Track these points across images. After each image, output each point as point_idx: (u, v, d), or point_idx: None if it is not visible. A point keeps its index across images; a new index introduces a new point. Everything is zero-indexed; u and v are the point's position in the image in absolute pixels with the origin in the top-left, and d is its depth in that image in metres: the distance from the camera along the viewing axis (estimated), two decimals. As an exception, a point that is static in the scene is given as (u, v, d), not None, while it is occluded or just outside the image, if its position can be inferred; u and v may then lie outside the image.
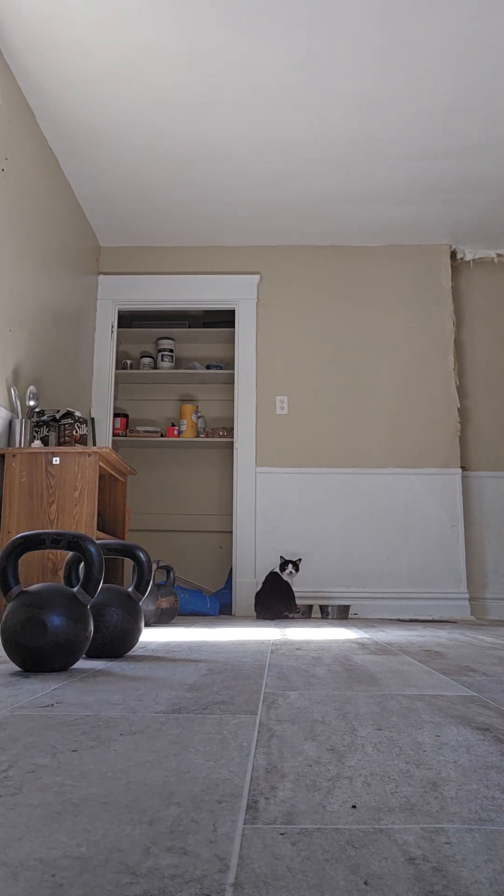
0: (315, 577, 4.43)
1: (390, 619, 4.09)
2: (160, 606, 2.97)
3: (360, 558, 4.44)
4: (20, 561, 2.86)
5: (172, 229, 4.72)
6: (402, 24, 2.99)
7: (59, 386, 4.02)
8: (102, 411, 4.68)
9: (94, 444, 4.43)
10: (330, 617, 4.19)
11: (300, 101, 3.47)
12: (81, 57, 3.19)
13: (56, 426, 3.24)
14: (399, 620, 4.01)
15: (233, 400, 5.06)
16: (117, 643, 1.68)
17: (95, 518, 2.94)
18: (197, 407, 5.17)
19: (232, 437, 4.93)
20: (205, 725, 0.91)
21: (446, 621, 3.97)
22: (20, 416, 3.20)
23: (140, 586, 1.75)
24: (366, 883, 0.44)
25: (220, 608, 4.46)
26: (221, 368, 5.20)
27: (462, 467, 4.61)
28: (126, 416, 5.23)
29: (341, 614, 4.20)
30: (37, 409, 3.29)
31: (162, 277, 4.89)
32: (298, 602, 4.30)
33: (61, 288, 4.06)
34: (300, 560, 4.18)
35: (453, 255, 4.91)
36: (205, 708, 1.03)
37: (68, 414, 3.23)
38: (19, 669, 1.45)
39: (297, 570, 4.08)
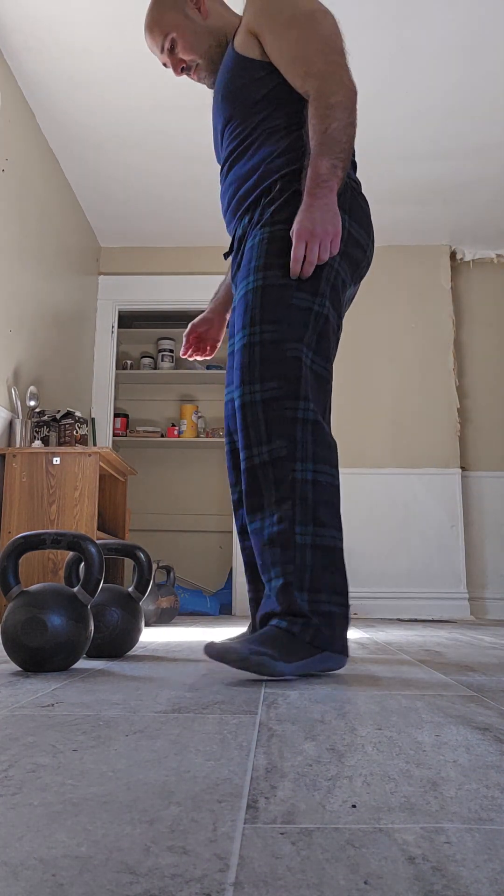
0: (315, 577, 4.43)
1: (390, 619, 4.09)
2: (160, 606, 2.97)
3: (360, 558, 4.44)
4: (20, 561, 2.86)
5: (173, 229, 4.72)
6: (401, 25, 2.99)
7: (60, 386, 4.02)
8: (103, 411, 4.68)
9: (95, 444, 4.44)
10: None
11: (300, 102, 3.47)
12: (81, 57, 3.19)
13: (56, 426, 3.24)
14: (399, 620, 4.01)
15: (233, 400, 5.06)
16: (117, 643, 1.68)
17: (96, 518, 2.95)
18: (197, 407, 5.17)
19: (232, 437, 4.93)
20: (205, 725, 0.91)
21: (446, 621, 3.97)
22: (20, 416, 3.20)
23: (140, 586, 1.75)
24: (366, 882, 0.44)
25: (220, 608, 4.46)
26: (221, 369, 5.20)
27: (462, 467, 4.61)
28: (126, 416, 5.23)
29: (341, 614, 4.20)
30: (37, 409, 3.29)
31: (162, 278, 4.89)
32: (298, 602, 4.29)
33: (61, 288, 4.06)
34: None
35: (453, 255, 4.91)
36: (205, 708, 1.03)
37: (69, 414, 3.23)
38: (19, 669, 1.45)
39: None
